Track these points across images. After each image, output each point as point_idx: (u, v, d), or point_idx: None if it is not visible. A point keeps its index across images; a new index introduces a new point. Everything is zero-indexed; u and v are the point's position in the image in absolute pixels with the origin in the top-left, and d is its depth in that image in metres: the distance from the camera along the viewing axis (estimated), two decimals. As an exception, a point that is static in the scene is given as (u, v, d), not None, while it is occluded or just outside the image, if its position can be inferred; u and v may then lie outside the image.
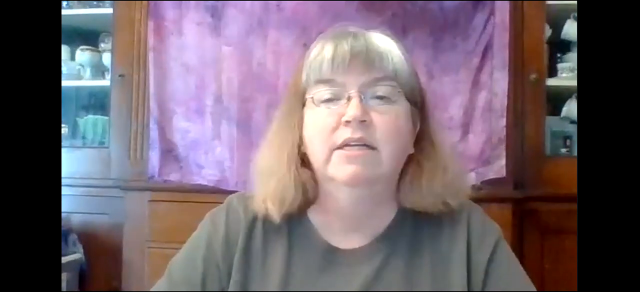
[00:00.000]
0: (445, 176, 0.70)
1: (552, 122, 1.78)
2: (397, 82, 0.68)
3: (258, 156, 0.73)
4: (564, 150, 1.83)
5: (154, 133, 1.69)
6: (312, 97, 0.68)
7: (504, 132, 1.62)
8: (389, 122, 0.66)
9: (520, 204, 1.64)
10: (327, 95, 0.67)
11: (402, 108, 0.68)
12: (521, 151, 1.68)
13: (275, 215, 0.69)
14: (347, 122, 0.65)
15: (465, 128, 1.62)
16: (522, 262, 0.71)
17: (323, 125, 0.66)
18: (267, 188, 0.69)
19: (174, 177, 1.69)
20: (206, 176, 1.68)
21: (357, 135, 0.64)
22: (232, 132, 1.66)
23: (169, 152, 1.70)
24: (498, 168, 1.61)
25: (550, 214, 1.67)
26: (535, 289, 0.68)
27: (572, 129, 1.82)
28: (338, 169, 0.66)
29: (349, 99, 0.66)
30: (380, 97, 0.67)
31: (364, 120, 0.65)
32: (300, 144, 0.70)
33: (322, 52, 0.68)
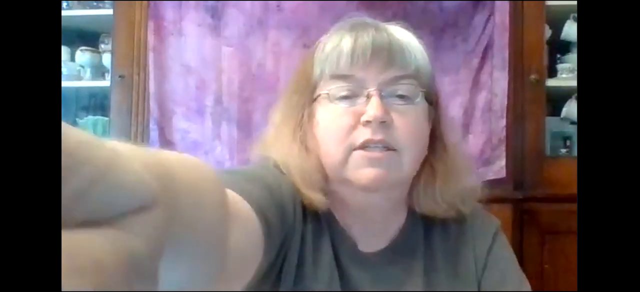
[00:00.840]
0: (458, 182, 0.67)
1: (551, 123, 1.78)
2: (418, 80, 0.63)
3: (265, 153, 0.67)
4: (563, 151, 1.83)
5: (154, 134, 1.69)
6: (328, 93, 0.62)
7: (504, 133, 1.62)
8: (410, 123, 0.62)
9: (520, 204, 1.64)
10: (343, 92, 0.62)
11: (421, 108, 0.63)
12: (521, 152, 1.68)
13: (320, 204, 0.62)
14: (367, 122, 0.60)
15: (465, 128, 1.63)
16: (521, 263, 0.72)
17: (339, 124, 0.61)
18: (295, 181, 0.62)
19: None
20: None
21: (378, 136, 0.59)
22: (232, 133, 1.66)
23: (169, 152, 1.70)
24: (498, 169, 1.61)
25: (550, 215, 1.67)
26: (527, 282, 0.68)
27: (572, 130, 1.82)
28: (357, 172, 0.60)
29: (368, 97, 0.60)
30: (401, 96, 0.62)
31: (385, 121, 0.60)
32: (306, 141, 0.64)
33: (340, 44, 0.63)
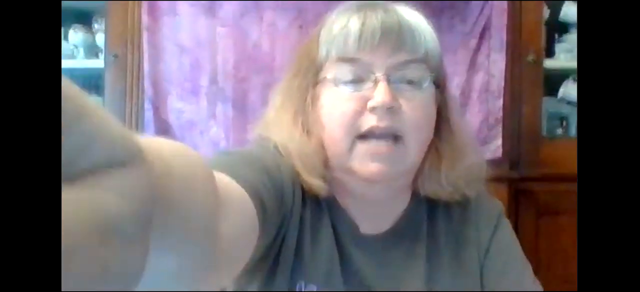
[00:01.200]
0: (464, 165, 0.65)
1: (548, 103, 1.78)
2: (427, 64, 0.61)
3: (265, 134, 0.65)
4: (560, 131, 1.83)
5: (148, 113, 1.68)
6: (333, 77, 0.60)
7: (501, 113, 1.62)
8: (418, 110, 0.60)
9: (515, 184, 1.64)
10: (350, 76, 0.59)
11: (429, 93, 0.61)
12: (518, 132, 1.68)
13: (320, 190, 0.61)
14: (373, 108, 0.58)
15: (463, 109, 1.62)
16: (517, 242, 0.72)
17: (344, 110, 0.59)
18: (295, 164, 0.61)
19: (169, 158, 1.69)
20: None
21: (384, 123, 0.58)
22: (228, 113, 1.65)
23: (164, 132, 1.69)
24: (494, 149, 1.62)
25: (545, 194, 1.68)
26: (529, 268, 0.68)
27: (569, 110, 1.82)
28: (361, 165, 0.59)
29: (375, 82, 0.58)
30: (409, 81, 0.60)
31: (392, 107, 0.58)
32: (308, 125, 0.62)
33: (347, 25, 0.60)
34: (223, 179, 0.42)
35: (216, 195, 0.31)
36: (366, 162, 0.59)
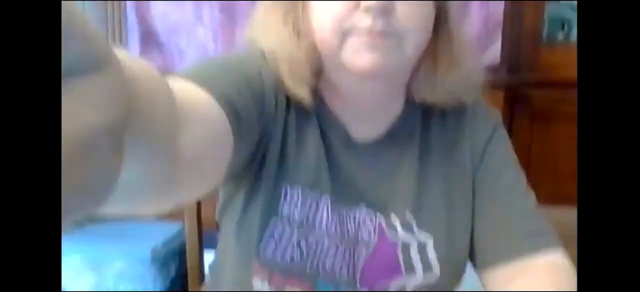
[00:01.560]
0: (461, 70, 0.63)
1: (551, 6, 1.71)
2: None
3: (253, 37, 0.63)
4: (560, 35, 1.78)
5: (131, 17, 1.61)
6: None
7: (501, 17, 1.57)
8: (415, 10, 0.56)
9: (512, 89, 1.62)
10: None
11: None
12: (518, 36, 1.63)
13: (305, 98, 0.59)
14: (367, 8, 0.54)
15: (462, 12, 1.56)
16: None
17: (336, 11, 0.56)
18: (282, 70, 0.59)
19: (155, 62, 1.64)
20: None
21: (379, 25, 0.54)
22: (215, 15, 1.58)
23: (149, 36, 1.63)
24: (493, 53, 1.58)
25: (541, 100, 1.67)
26: (523, 177, 0.67)
27: (571, 14, 1.76)
28: (355, 57, 0.56)
29: None
30: None
31: (386, 8, 0.54)
32: (299, 26, 0.60)
33: None
34: (191, 90, 0.41)
35: (174, 105, 0.30)
36: (360, 53, 0.56)
